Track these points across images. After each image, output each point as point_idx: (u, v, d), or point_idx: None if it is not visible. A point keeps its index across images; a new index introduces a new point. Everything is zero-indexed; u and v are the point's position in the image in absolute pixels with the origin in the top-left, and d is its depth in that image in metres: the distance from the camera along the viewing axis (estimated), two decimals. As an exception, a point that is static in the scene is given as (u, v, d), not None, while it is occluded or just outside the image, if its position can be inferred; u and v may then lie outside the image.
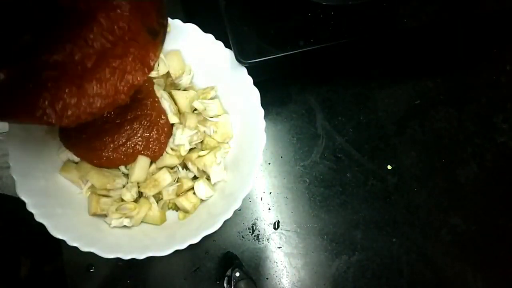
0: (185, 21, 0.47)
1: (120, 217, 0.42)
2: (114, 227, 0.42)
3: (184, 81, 0.48)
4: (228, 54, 0.46)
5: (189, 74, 0.49)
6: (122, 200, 0.44)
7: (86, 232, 0.41)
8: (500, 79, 0.58)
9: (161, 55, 0.47)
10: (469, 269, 0.50)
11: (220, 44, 0.46)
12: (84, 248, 0.38)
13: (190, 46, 0.47)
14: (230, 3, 0.44)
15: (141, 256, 0.39)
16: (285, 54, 0.43)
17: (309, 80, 0.56)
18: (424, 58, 0.58)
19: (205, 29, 0.47)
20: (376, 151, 0.54)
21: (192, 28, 0.46)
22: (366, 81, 0.56)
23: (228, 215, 0.41)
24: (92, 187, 0.44)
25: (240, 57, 0.43)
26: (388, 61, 0.57)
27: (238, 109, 0.47)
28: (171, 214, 0.46)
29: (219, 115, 0.48)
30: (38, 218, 0.39)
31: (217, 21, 0.45)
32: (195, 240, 0.40)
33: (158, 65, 0.48)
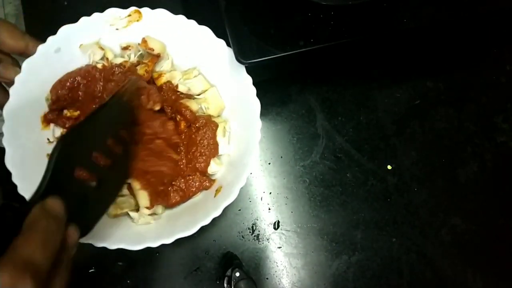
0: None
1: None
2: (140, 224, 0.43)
3: (165, 66, 0.48)
4: (203, 30, 0.46)
5: (168, 59, 0.48)
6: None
7: (110, 232, 0.41)
8: (500, 79, 0.58)
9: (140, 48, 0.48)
10: (469, 269, 0.50)
11: (193, 22, 0.46)
12: (112, 246, 0.38)
13: (163, 32, 0.47)
14: (230, 3, 0.44)
15: (170, 240, 0.39)
16: (285, 54, 0.43)
17: (309, 80, 0.56)
18: (424, 58, 0.58)
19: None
20: (376, 151, 0.54)
21: (160, 13, 0.46)
22: (366, 81, 0.56)
23: (243, 182, 0.41)
24: None
25: (240, 57, 0.43)
26: (388, 61, 0.57)
27: (225, 81, 0.48)
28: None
29: (205, 90, 0.48)
30: None
31: (217, 21, 0.45)
32: (218, 212, 0.40)
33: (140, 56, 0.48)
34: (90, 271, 0.47)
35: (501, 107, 0.56)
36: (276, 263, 0.49)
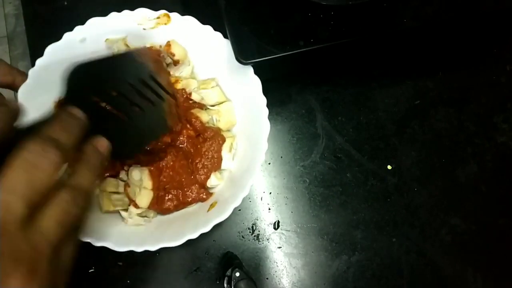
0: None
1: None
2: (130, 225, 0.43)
3: (185, 72, 0.48)
4: (227, 44, 0.46)
5: (189, 65, 0.48)
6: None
7: (98, 228, 0.41)
8: (500, 79, 0.58)
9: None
10: (469, 269, 0.50)
11: (219, 34, 0.46)
12: (97, 243, 0.38)
13: (189, 39, 0.48)
14: (230, 3, 0.44)
15: (154, 248, 0.39)
16: (285, 54, 0.43)
17: (309, 80, 0.56)
18: (424, 58, 0.58)
19: (205, 29, 0.47)
20: (376, 151, 0.54)
21: (188, 20, 0.46)
22: (366, 81, 0.56)
23: (237, 202, 0.41)
24: (101, 185, 0.44)
25: (240, 57, 0.43)
26: (388, 61, 0.57)
27: (240, 98, 0.48)
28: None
29: (220, 103, 0.48)
30: None
31: (217, 21, 0.45)
32: (207, 229, 0.39)
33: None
34: (90, 271, 0.47)
35: (501, 107, 0.56)
36: (276, 263, 0.49)
